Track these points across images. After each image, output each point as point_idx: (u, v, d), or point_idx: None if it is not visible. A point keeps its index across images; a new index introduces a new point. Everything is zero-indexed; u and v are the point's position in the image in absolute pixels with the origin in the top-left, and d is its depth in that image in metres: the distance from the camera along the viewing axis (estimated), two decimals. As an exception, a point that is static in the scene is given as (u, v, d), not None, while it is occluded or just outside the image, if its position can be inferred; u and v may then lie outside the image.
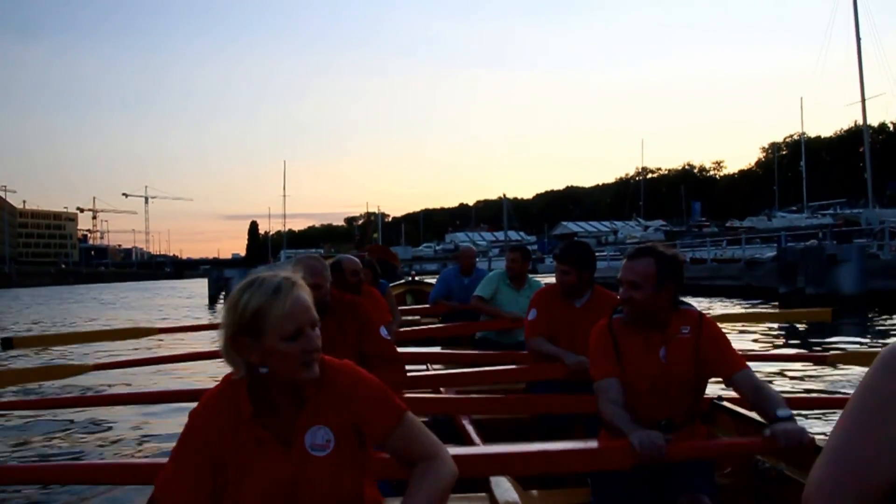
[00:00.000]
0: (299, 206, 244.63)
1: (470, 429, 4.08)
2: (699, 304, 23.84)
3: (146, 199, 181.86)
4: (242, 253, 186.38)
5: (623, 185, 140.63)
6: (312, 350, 1.99)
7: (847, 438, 1.31)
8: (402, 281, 13.97)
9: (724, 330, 3.15)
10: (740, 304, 23.42)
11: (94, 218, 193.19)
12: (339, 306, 3.81)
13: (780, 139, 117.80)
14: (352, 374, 2.12)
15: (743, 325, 14.46)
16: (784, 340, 14.29)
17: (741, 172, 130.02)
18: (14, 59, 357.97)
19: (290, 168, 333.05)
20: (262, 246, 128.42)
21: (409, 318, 8.90)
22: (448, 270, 8.80)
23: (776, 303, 22.02)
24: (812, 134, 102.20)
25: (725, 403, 3.97)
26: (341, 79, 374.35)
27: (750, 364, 3.16)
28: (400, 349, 4.51)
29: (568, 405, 3.91)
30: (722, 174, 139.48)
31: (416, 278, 14.46)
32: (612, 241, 75.85)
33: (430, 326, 7.45)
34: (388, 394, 2.12)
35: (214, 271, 42.04)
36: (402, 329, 6.89)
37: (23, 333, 16.67)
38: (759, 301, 23.74)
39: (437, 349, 6.42)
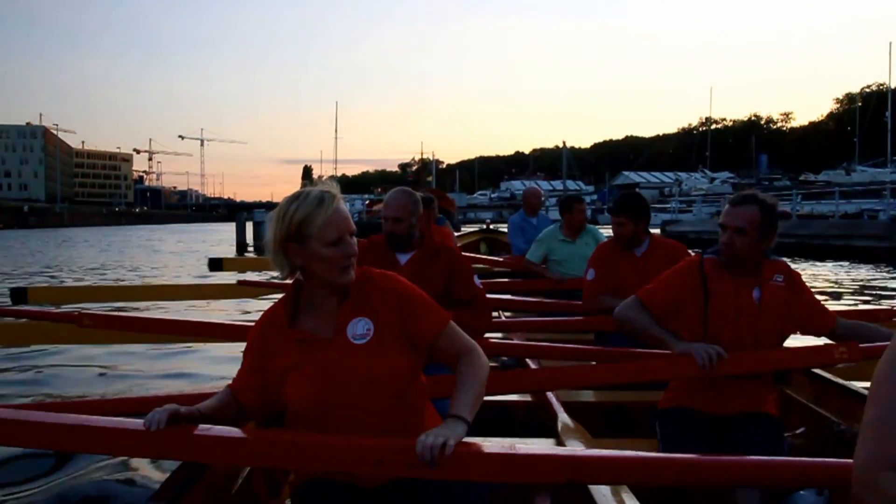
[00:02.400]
0: (353, 153, 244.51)
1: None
2: (838, 272, 19.64)
3: (202, 141, 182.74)
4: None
5: (686, 135, 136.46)
6: (351, 255, 2.25)
7: (891, 409, 1.33)
8: (477, 228, 13.60)
9: None
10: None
11: (150, 159, 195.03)
12: (432, 245, 3.88)
13: (856, 90, 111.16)
14: (395, 280, 2.37)
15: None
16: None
17: (812, 125, 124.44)
18: (75, 4, 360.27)
19: (345, 115, 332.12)
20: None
21: (483, 266, 8.51)
22: (514, 218, 8.81)
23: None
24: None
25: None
26: (399, 24, 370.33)
27: None
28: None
29: (637, 354, 3.71)
30: (790, 126, 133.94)
31: (491, 227, 13.54)
32: (677, 192, 72.16)
33: (504, 280, 7.33)
34: (433, 302, 2.39)
35: (243, 214, 37.20)
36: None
37: None
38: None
39: (508, 296, 6.31)
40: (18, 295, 5.55)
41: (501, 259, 8.64)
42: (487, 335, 4.42)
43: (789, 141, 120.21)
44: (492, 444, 2.20)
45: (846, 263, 21.37)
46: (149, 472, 4.56)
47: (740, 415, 3.12)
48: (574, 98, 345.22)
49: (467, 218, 61.00)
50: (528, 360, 4.33)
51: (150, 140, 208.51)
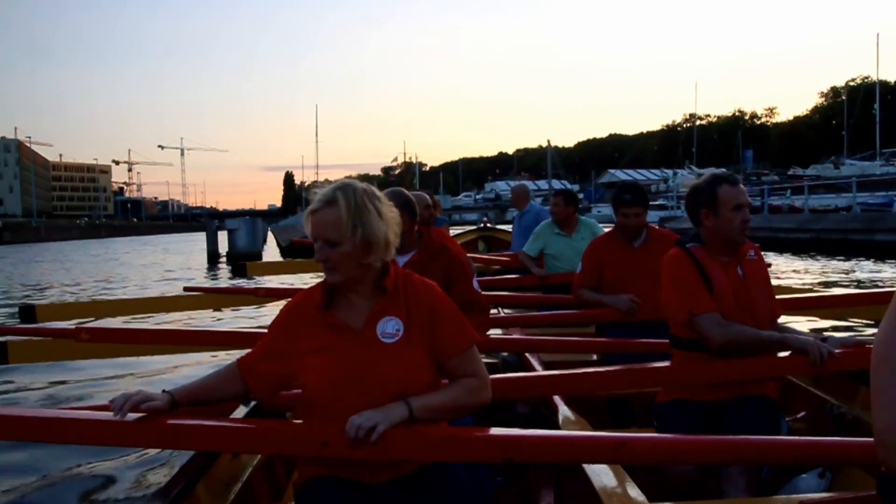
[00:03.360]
0: (335, 157, 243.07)
1: (538, 367, 4.08)
2: (860, 270, 17.62)
3: (182, 150, 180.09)
4: (279, 204, 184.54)
5: (670, 132, 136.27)
6: (319, 260, 2.28)
7: None
8: (475, 227, 13.72)
9: None
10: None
11: (130, 171, 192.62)
12: (430, 247, 3.80)
13: (840, 84, 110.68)
14: (434, 289, 2.38)
15: None
16: None
17: (796, 119, 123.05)
18: (50, 15, 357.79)
19: (326, 119, 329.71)
20: (298, 196, 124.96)
21: (481, 265, 8.75)
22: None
23: None
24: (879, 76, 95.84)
25: None
26: (379, 28, 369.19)
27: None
28: None
29: (636, 346, 3.92)
30: (774, 121, 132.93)
31: (489, 225, 13.88)
32: (664, 189, 71.06)
33: (500, 277, 7.45)
34: (465, 320, 2.39)
35: (214, 222, 34.83)
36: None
37: None
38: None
39: (506, 292, 6.54)
40: (27, 313, 5.56)
41: (499, 256, 8.81)
42: (489, 332, 4.46)
43: (774, 136, 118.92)
44: (474, 428, 2.28)
45: (868, 260, 19.53)
46: (154, 467, 4.82)
47: (736, 399, 3.13)
48: (556, 98, 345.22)
49: (452, 220, 59.97)
50: (528, 354, 4.35)
51: (129, 151, 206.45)
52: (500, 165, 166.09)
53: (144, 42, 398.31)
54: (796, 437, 2.34)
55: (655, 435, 2.56)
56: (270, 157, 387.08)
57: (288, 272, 10.89)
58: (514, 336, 4.78)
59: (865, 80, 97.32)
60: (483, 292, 4.78)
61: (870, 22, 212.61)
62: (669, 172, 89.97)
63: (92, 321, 5.84)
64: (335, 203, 2.24)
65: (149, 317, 9.90)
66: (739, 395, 3.13)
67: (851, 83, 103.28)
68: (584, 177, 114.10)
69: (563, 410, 3.34)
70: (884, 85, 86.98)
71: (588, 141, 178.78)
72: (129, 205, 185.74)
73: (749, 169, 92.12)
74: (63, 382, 7.84)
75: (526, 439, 2.22)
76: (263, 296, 6.19)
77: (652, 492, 2.46)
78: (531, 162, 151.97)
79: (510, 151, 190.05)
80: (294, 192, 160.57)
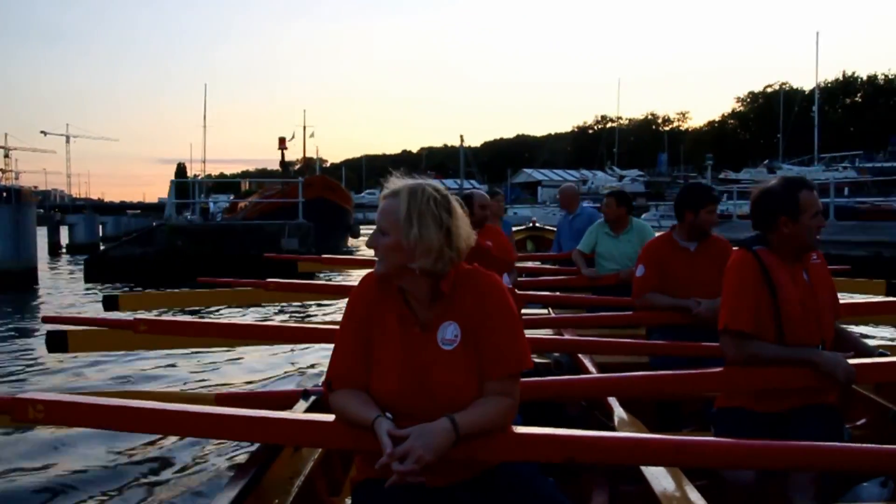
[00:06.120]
0: (231, 152, 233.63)
1: (591, 368, 4.08)
2: None
3: (67, 137, 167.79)
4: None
5: (581, 134, 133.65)
6: (368, 246, 2.27)
7: None
8: (524, 227, 13.76)
9: None
10: None
11: (7, 157, 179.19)
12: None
13: (757, 89, 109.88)
14: (491, 293, 2.25)
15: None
16: None
17: (711, 123, 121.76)
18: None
19: (221, 111, 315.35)
20: (186, 190, 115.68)
21: (531, 264, 8.76)
22: (560, 217, 9.29)
23: None
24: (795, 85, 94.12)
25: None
26: (268, 17, 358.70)
27: None
28: (521, 292, 5.00)
29: (688, 349, 3.90)
30: (687, 126, 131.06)
31: (537, 224, 13.96)
32: (585, 190, 66.55)
33: (549, 278, 7.43)
34: (523, 337, 2.25)
35: (55, 215, 37.71)
36: (522, 279, 7.10)
37: None
38: None
39: (557, 293, 6.71)
40: (110, 302, 5.73)
41: (548, 255, 9.05)
42: (540, 333, 4.84)
43: (690, 140, 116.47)
44: (546, 430, 2.24)
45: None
46: (220, 458, 5.06)
47: (799, 408, 3.06)
48: (462, 97, 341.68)
49: (356, 219, 53.89)
50: (580, 355, 4.31)
51: (6, 135, 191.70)
52: (405, 163, 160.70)
53: (27, 21, 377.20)
54: (860, 445, 2.31)
55: (718, 439, 2.56)
56: (165, 150, 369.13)
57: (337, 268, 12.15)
58: (567, 337, 4.77)
59: (783, 87, 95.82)
60: (533, 292, 5.88)
61: (774, 32, 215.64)
62: (589, 174, 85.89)
63: (163, 312, 6.46)
64: (397, 196, 2.22)
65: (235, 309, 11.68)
66: (801, 405, 3.04)
67: (769, 89, 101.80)
68: (494, 176, 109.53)
69: (619, 412, 3.29)
70: (798, 92, 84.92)
71: (495, 141, 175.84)
72: (3, 193, 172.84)
73: (664, 172, 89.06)
74: (118, 369, 8.00)
75: (590, 440, 2.24)
76: (274, 290, 6.07)
77: (711, 496, 2.45)
78: (437, 160, 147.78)
79: (414, 150, 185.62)
80: (186, 185, 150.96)
